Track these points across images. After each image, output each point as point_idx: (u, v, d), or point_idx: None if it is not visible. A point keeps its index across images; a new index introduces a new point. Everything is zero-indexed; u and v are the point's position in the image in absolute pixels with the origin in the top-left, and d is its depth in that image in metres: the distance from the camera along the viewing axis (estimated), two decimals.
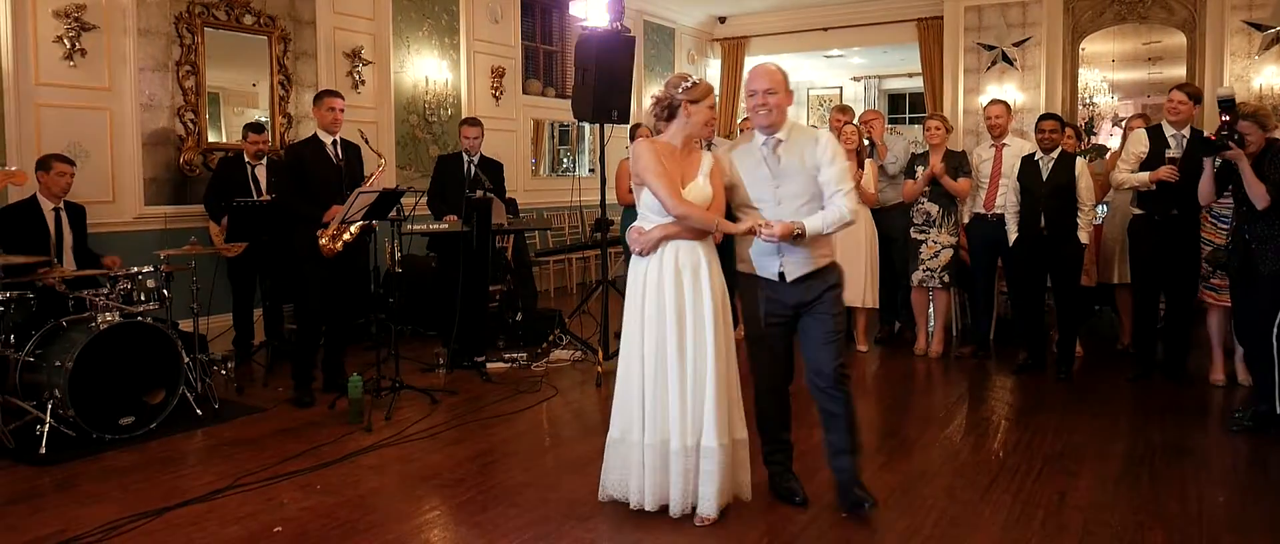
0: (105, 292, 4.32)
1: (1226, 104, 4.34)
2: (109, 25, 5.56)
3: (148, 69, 5.80)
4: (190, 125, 6.05)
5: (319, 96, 4.98)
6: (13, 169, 3.53)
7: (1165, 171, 4.83)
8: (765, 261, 3.21)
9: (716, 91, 11.66)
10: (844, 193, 3.10)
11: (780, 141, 3.14)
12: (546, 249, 8.88)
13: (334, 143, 4.91)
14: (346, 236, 4.76)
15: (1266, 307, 4.14)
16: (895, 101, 15.03)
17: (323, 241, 4.70)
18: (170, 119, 5.96)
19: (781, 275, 3.17)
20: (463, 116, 7.35)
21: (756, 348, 3.32)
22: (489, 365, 5.57)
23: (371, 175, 4.92)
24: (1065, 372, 5.26)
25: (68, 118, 5.38)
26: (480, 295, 5.77)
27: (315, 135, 4.94)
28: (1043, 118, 5.35)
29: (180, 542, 3.07)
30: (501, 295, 6.45)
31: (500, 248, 6.38)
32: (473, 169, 5.76)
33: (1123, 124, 7.82)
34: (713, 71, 11.81)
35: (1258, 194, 4.17)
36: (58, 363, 4.02)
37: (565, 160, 10.09)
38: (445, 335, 5.72)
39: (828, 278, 3.20)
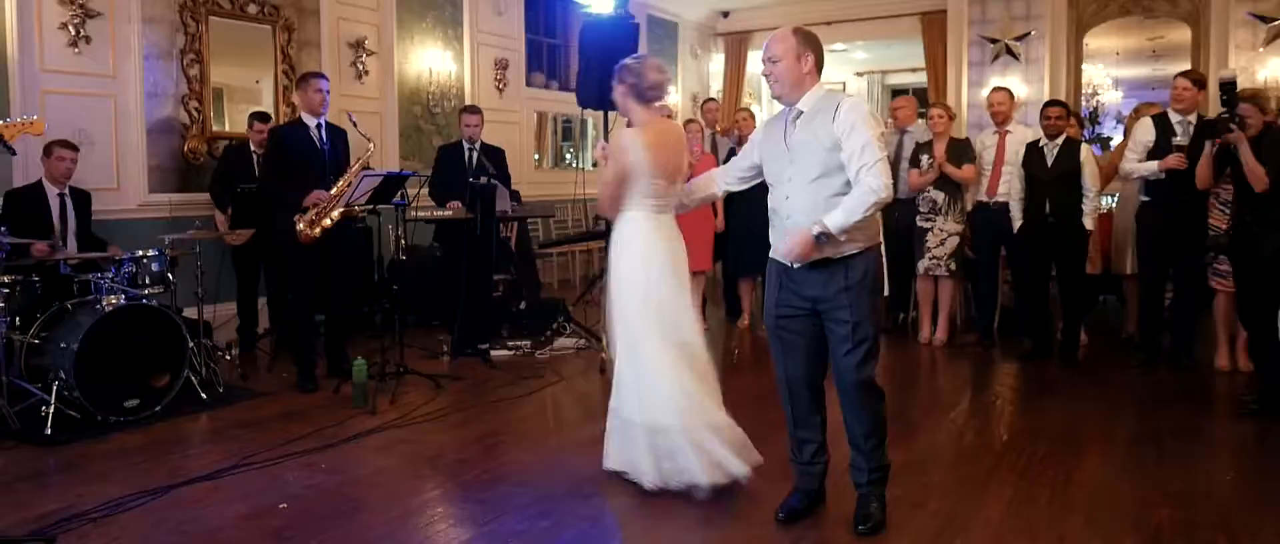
0: (110, 275, 4.32)
1: (1227, 87, 4.34)
2: (114, 12, 5.57)
3: (152, 57, 5.81)
4: (195, 114, 6.05)
5: (302, 78, 4.90)
6: (34, 118, 3.50)
7: (1173, 160, 4.82)
8: (776, 244, 2.90)
9: (719, 86, 11.70)
10: (869, 166, 2.63)
11: (801, 114, 2.77)
12: (549, 240, 8.88)
13: (318, 126, 4.82)
14: (326, 223, 4.68)
15: (1269, 290, 4.13)
16: (898, 96, 15.00)
17: (300, 227, 4.63)
18: (175, 107, 5.96)
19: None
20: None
21: (770, 340, 3.00)
22: (493, 353, 5.57)
23: (359, 160, 4.85)
24: (1070, 359, 5.24)
25: (73, 104, 5.38)
26: (485, 283, 5.77)
27: (300, 118, 4.85)
28: (1048, 104, 5.35)
29: (185, 518, 3.07)
30: (506, 284, 6.45)
31: (504, 237, 6.38)
32: (475, 156, 5.76)
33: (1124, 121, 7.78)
34: (716, 66, 11.81)
35: (1257, 177, 4.17)
36: (63, 345, 4.02)
37: (567, 155, 10.09)
38: (450, 324, 5.72)
39: (850, 272, 2.73)
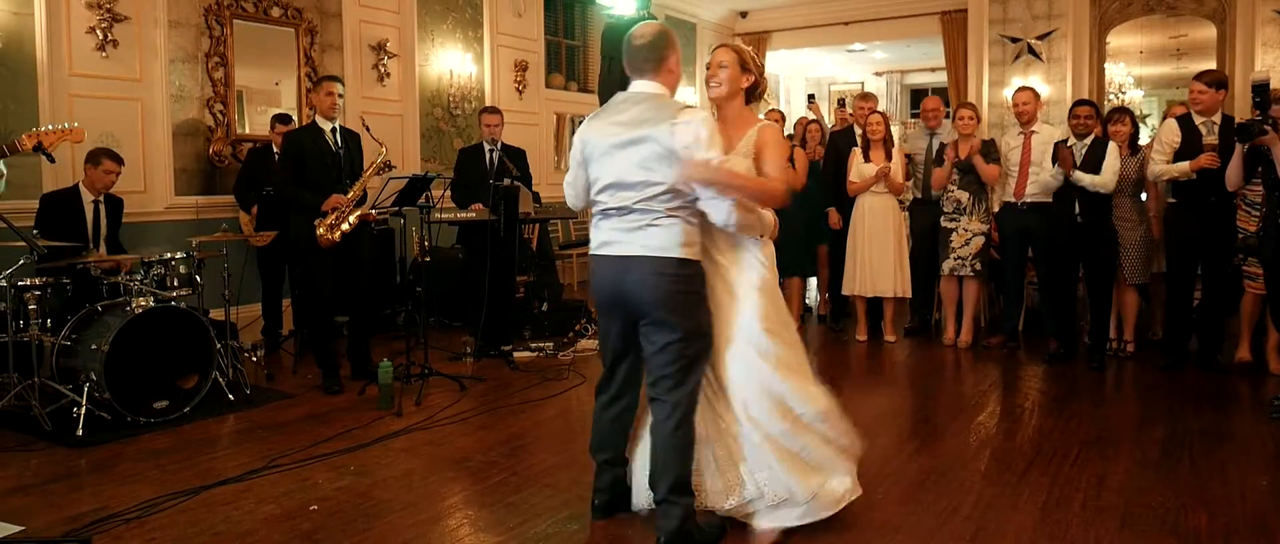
0: (139, 277, 4.36)
1: (1260, 88, 4.29)
2: (140, 16, 5.62)
3: (178, 60, 5.86)
4: (219, 116, 6.10)
5: (317, 82, 4.92)
6: (74, 126, 3.52)
7: (1205, 159, 4.77)
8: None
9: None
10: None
11: None
12: (569, 242, 8.88)
13: (333, 130, 4.83)
14: (345, 226, 4.71)
15: None
16: (918, 96, 14.94)
17: (320, 231, 4.66)
18: (200, 110, 6.01)
19: None
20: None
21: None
22: (515, 354, 5.58)
23: (372, 164, 4.88)
24: (1098, 361, 5.20)
25: (100, 108, 5.43)
26: (507, 285, 5.78)
27: (314, 122, 4.85)
28: (1077, 104, 5.30)
29: (217, 520, 3.08)
30: (527, 286, 6.46)
31: (525, 239, 6.39)
32: (496, 157, 5.78)
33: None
34: None
35: None
36: (93, 346, 4.06)
37: None
38: (472, 326, 5.73)
39: None
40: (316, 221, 4.67)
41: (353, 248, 4.82)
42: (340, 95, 4.83)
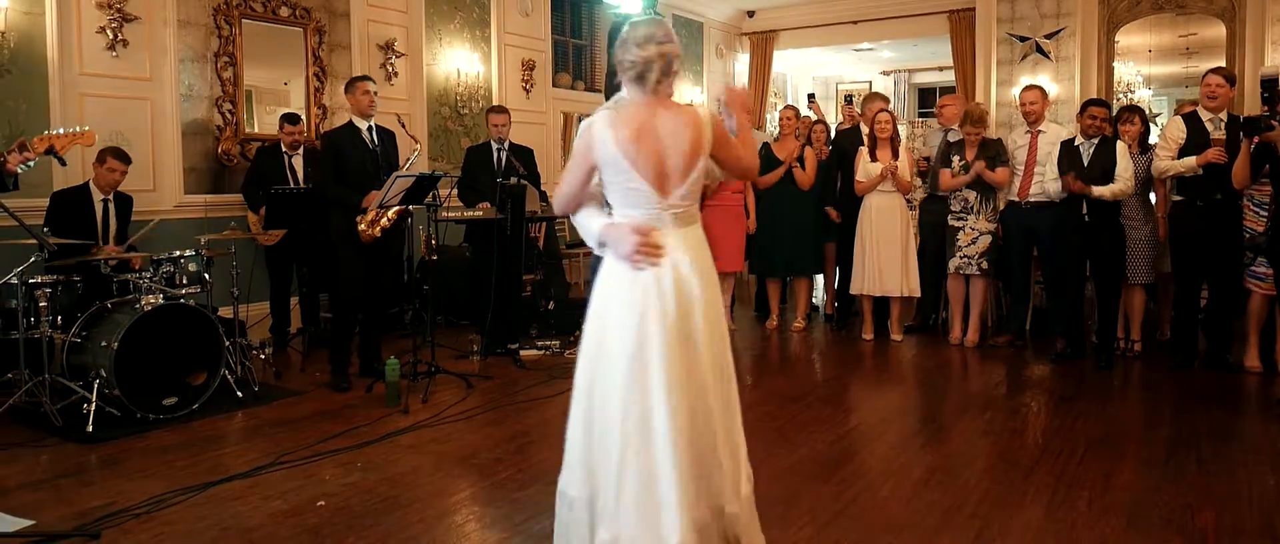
0: (149, 275, 4.39)
1: (1269, 84, 4.28)
2: (150, 16, 5.66)
3: (187, 60, 5.89)
4: (228, 116, 6.13)
5: (351, 82, 4.98)
6: (85, 129, 3.54)
7: (1213, 153, 4.75)
8: None
9: (745, 85, 11.65)
10: None
11: None
12: (576, 241, 8.89)
13: (369, 129, 4.91)
14: (384, 222, 4.78)
15: None
16: (925, 96, 14.91)
17: (361, 228, 4.74)
18: (209, 110, 6.04)
19: None
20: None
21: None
22: (522, 352, 5.59)
23: (407, 161, 4.96)
24: (1106, 360, 5.18)
25: (110, 107, 5.47)
26: (514, 283, 5.79)
27: (350, 121, 4.94)
28: (1091, 103, 5.28)
29: (225, 515, 3.11)
30: (534, 284, 6.48)
31: (532, 237, 6.41)
32: (504, 156, 5.79)
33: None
34: (741, 66, 11.78)
35: None
36: (103, 343, 4.09)
37: None
38: (479, 324, 5.75)
39: None
40: (358, 219, 4.73)
41: (387, 244, 4.88)
42: (375, 93, 4.90)
